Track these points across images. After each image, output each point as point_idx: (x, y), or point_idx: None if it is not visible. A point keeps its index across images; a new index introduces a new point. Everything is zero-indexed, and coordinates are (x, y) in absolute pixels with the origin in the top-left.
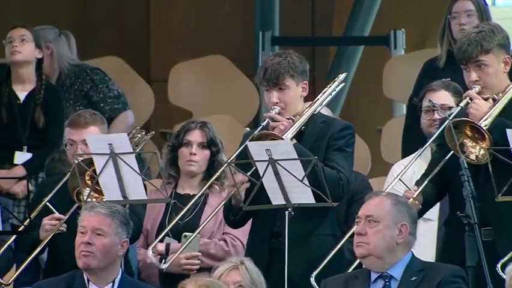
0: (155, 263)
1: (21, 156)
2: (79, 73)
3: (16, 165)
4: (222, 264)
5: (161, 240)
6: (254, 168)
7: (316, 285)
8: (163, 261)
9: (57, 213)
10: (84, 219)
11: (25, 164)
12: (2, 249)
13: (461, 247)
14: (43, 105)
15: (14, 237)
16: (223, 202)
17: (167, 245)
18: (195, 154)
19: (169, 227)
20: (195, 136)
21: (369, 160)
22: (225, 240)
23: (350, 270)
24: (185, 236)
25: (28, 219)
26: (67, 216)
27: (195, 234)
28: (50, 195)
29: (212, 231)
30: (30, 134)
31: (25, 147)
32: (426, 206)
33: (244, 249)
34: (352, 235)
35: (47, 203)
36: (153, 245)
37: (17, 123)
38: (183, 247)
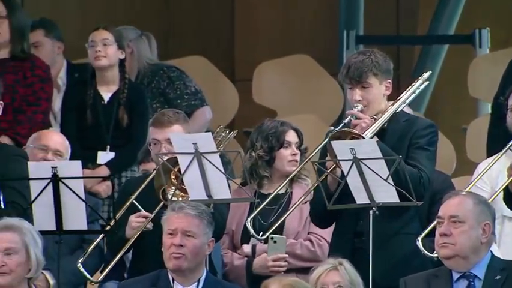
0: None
1: (104, 156)
2: (155, 71)
3: (100, 165)
4: (321, 265)
5: (247, 242)
6: (333, 165)
7: None
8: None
9: (143, 211)
10: (173, 220)
11: (108, 164)
12: (90, 248)
13: None
14: (127, 104)
15: (101, 236)
16: (305, 196)
17: (254, 247)
18: (295, 154)
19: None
20: (292, 137)
21: (454, 159)
22: (311, 240)
23: None
24: (272, 238)
25: (114, 219)
26: (153, 214)
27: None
28: (136, 194)
29: (297, 231)
30: (114, 134)
31: (108, 147)
32: None
33: None
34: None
35: (134, 201)
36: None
37: (101, 124)
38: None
